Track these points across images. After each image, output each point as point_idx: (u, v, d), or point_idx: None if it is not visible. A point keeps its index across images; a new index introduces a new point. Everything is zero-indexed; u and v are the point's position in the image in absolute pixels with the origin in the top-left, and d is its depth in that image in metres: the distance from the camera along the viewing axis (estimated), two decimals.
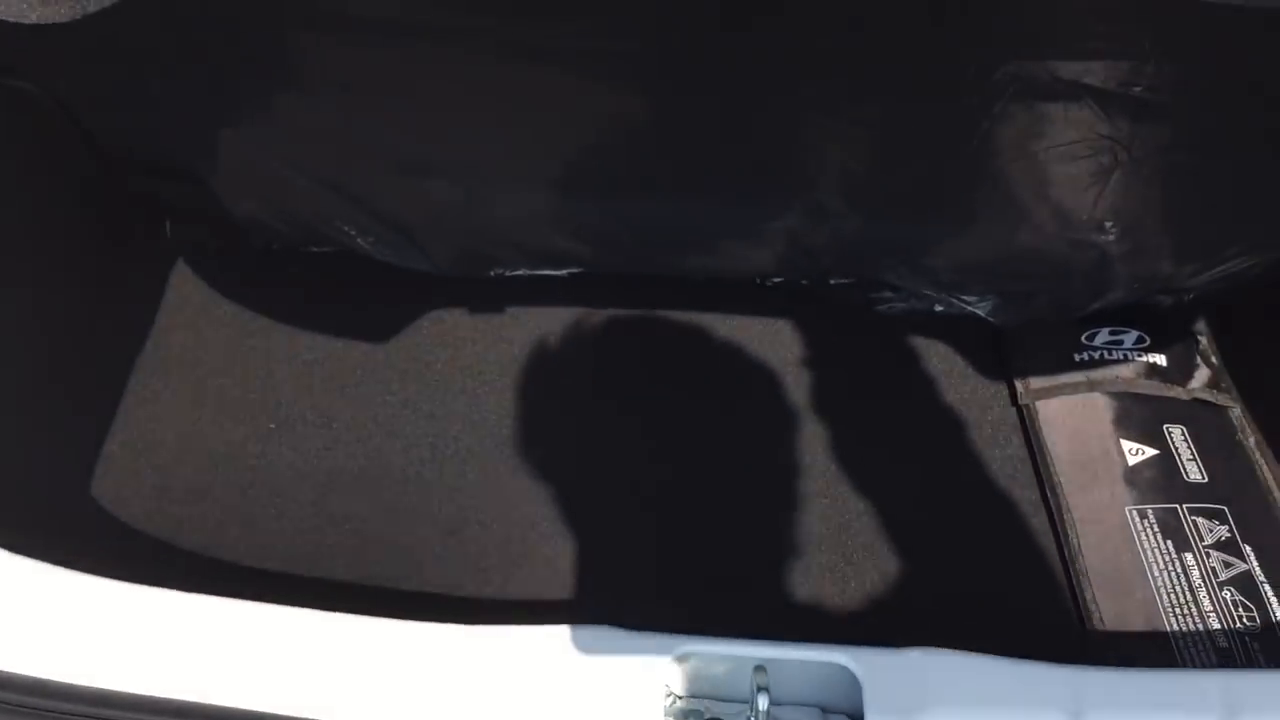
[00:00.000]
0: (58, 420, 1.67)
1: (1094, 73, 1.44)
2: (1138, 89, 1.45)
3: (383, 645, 1.06)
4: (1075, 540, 1.60)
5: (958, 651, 1.06)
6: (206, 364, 1.82)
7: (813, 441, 1.76)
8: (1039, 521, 1.66)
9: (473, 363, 1.87)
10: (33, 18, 0.78)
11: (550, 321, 1.94)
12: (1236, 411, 1.78)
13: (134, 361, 1.81)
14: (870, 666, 1.05)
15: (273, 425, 1.75)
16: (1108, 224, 1.65)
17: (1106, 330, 1.87)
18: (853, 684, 1.05)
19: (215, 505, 1.64)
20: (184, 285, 1.93)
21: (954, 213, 1.71)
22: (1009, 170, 1.61)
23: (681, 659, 1.07)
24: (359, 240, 1.86)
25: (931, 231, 1.76)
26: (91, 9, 0.80)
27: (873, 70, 1.47)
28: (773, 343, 1.91)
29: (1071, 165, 1.57)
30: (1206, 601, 1.51)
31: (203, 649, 1.05)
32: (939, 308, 1.92)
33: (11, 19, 0.78)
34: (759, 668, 1.04)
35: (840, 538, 1.65)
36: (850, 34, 1.42)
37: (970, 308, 1.90)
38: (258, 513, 1.64)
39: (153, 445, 1.71)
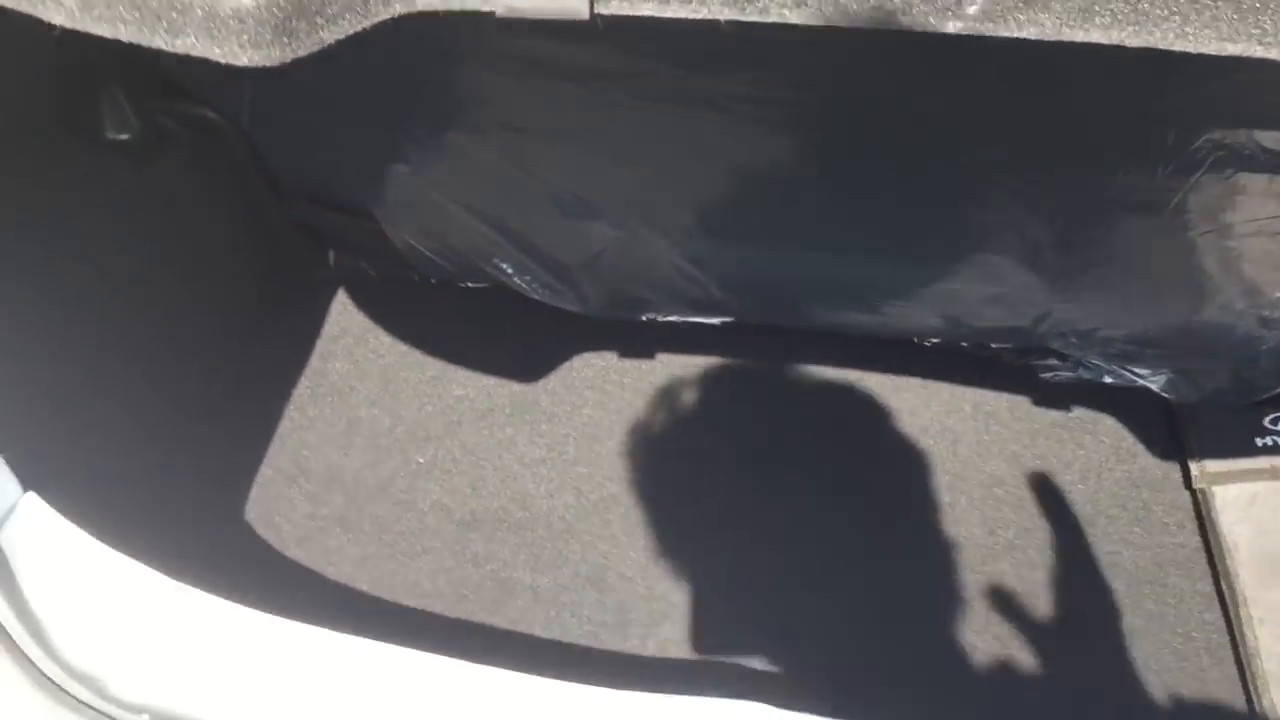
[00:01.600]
0: (217, 441, 1.70)
1: None
2: None
3: (528, 703, 1.04)
4: (1254, 640, 1.49)
5: None
6: (361, 394, 1.84)
7: (969, 514, 1.69)
8: (1212, 616, 1.56)
9: (621, 408, 1.85)
10: (244, 60, 0.78)
11: (701, 371, 1.91)
12: None
13: (292, 388, 1.83)
14: None
15: (421, 460, 1.76)
16: None
17: None
18: None
19: (362, 537, 1.65)
20: (343, 315, 1.96)
21: (1137, 284, 1.62)
22: (1200, 242, 1.52)
23: None
24: (515, 278, 1.87)
25: (1112, 303, 1.67)
26: (301, 54, 0.80)
27: (1063, 134, 1.41)
28: (928, 406, 1.85)
29: (1270, 241, 1.48)
30: None
31: (345, 691, 1.04)
32: (1108, 379, 1.83)
33: (225, 60, 0.78)
34: None
35: (999, 614, 1.57)
36: (1037, 98, 1.37)
37: (1143, 381, 1.81)
38: (403, 547, 1.64)
39: (305, 473, 1.73)
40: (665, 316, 1.93)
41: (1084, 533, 1.68)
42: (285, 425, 1.79)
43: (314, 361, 1.88)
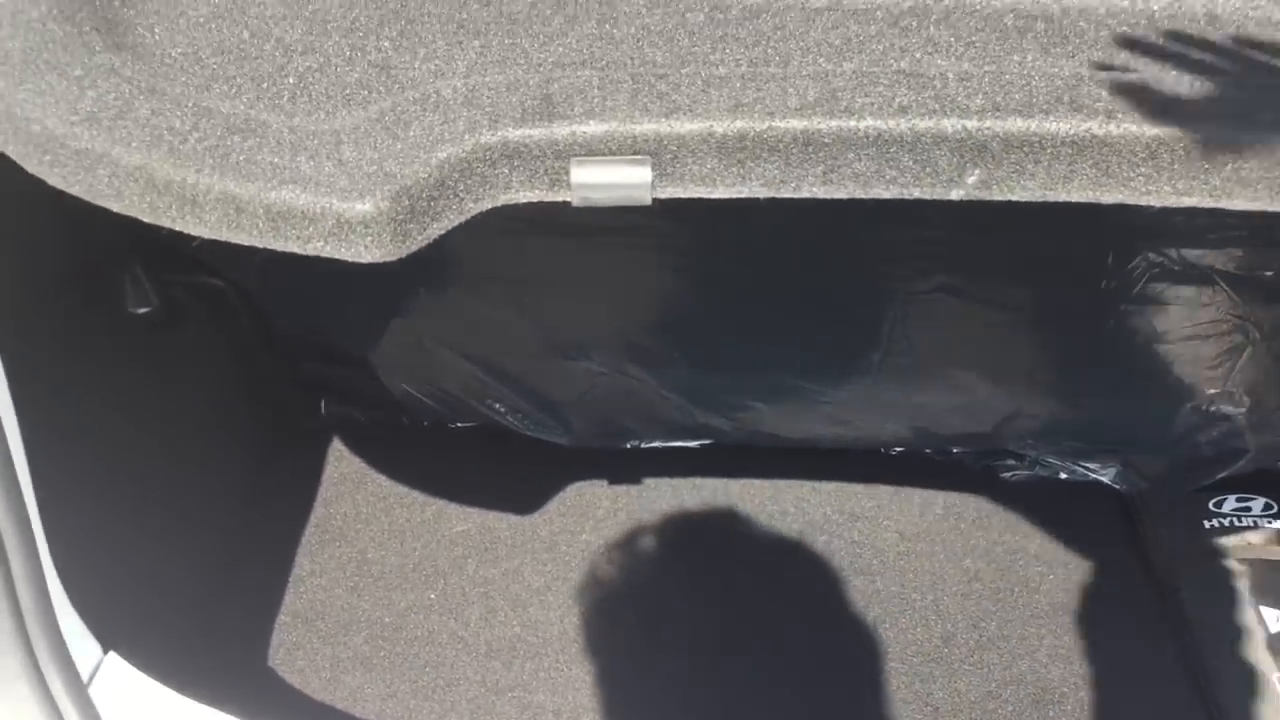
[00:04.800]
0: (233, 593, 1.76)
1: (1226, 259, 1.53)
2: (1269, 273, 1.54)
3: None
4: (1226, 709, 1.62)
5: None
6: (366, 536, 1.91)
7: (953, 611, 1.81)
8: (1180, 689, 1.69)
9: (614, 534, 1.95)
10: (367, 259, 0.90)
11: (685, 491, 2.01)
12: None
13: (300, 534, 1.90)
14: None
15: (433, 596, 1.83)
16: (1237, 397, 1.73)
17: (1234, 498, 1.92)
18: None
19: (385, 674, 1.71)
20: (340, 461, 2.04)
21: (1086, 387, 1.79)
22: (1142, 348, 1.69)
23: None
24: (507, 416, 1.98)
25: (1063, 406, 1.83)
26: (414, 249, 0.92)
27: (1012, 260, 1.58)
28: (903, 512, 1.97)
29: (1203, 343, 1.66)
30: None
31: None
32: (1064, 475, 1.99)
33: (351, 259, 0.90)
34: None
35: (987, 706, 1.68)
36: (996, 233, 1.53)
37: (1095, 475, 1.97)
38: (425, 682, 1.70)
39: (321, 615, 1.79)
40: (648, 443, 2.06)
41: (1058, 619, 1.80)
42: (298, 571, 1.86)
43: (318, 508, 1.96)
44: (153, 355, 1.65)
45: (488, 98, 0.96)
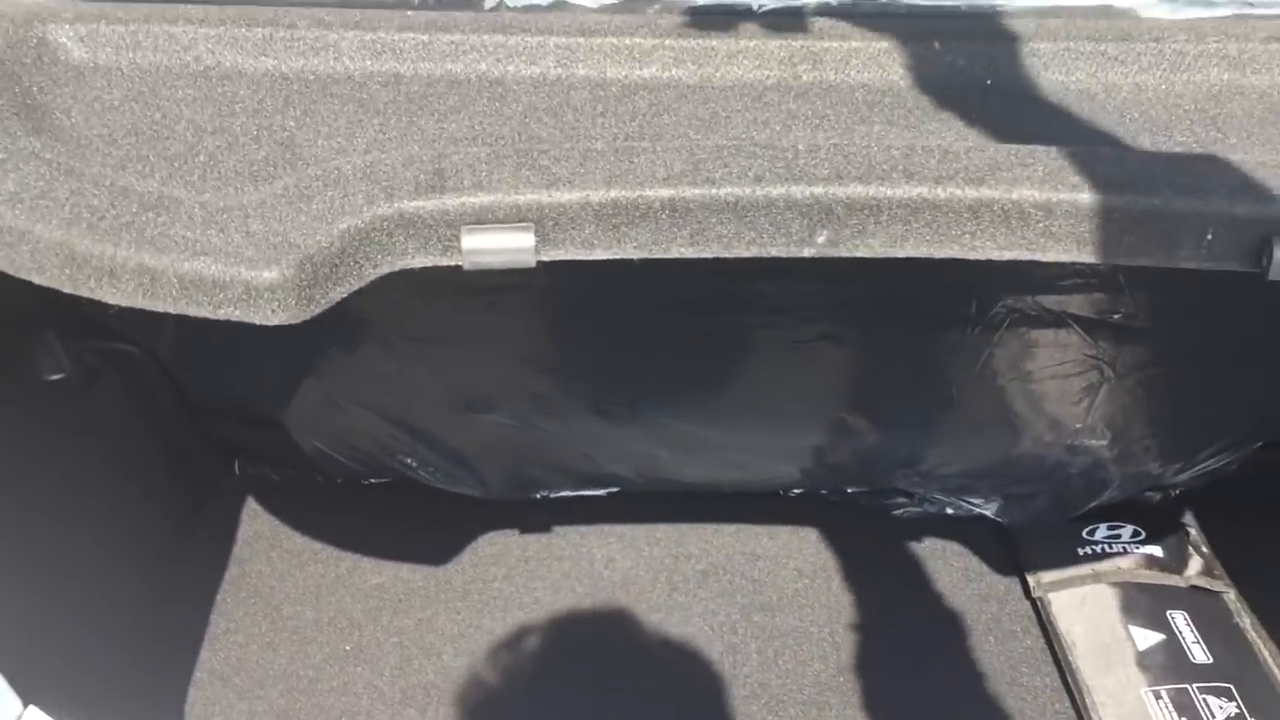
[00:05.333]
0: (150, 650, 1.79)
1: (1077, 304, 1.67)
2: (1116, 316, 1.68)
3: None
4: None
5: None
6: (282, 593, 1.96)
7: (840, 640, 1.91)
8: (1062, 706, 1.80)
9: (526, 580, 2.02)
10: (274, 321, 0.98)
11: (594, 540, 2.09)
12: (1231, 596, 1.95)
13: (215, 592, 1.94)
14: None
15: (348, 648, 1.88)
16: (1099, 431, 1.87)
17: (1105, 526, 2.05)
18: None
19: None
20: (254, 520, 2.09)
21: (962, 427, 1.91)
22: (1009, 388, 1.83)
23: None
24: (419, 470, 2.04)
25: (943, 445, 1.96)
26: (316, 312, 1.00)
27: (888, 310, 1.70)
28: (799, 549, 2.08)
29: (1064, 382, 1.79)
30: None
31: None
32: (950, 510, 2.12)
33: (259, 322, 0.98)
34: None
35: (871, 705, 1.77)
36: (866, 281, 1.66)
37: (979, 509, 2.10)
38: None
39: (238, 671, 1.83)
40: (557, 493, 2.14)
41: (949, 646, 1.91)
42: (213, 629, 1.89)
43: (233, 566, 2.00)
44: (66, 420, 1.70)
45: (385, 172, 1.05)
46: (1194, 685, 1.77)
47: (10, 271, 0.99)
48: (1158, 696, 1.76)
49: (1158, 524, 2.07)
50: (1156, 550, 2.02)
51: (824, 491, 2.16)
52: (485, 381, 1.87)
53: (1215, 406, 1.86)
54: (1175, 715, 1.73)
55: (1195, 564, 2.00)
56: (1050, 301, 1.68)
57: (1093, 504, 2.02)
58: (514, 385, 1.88)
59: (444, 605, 1.96)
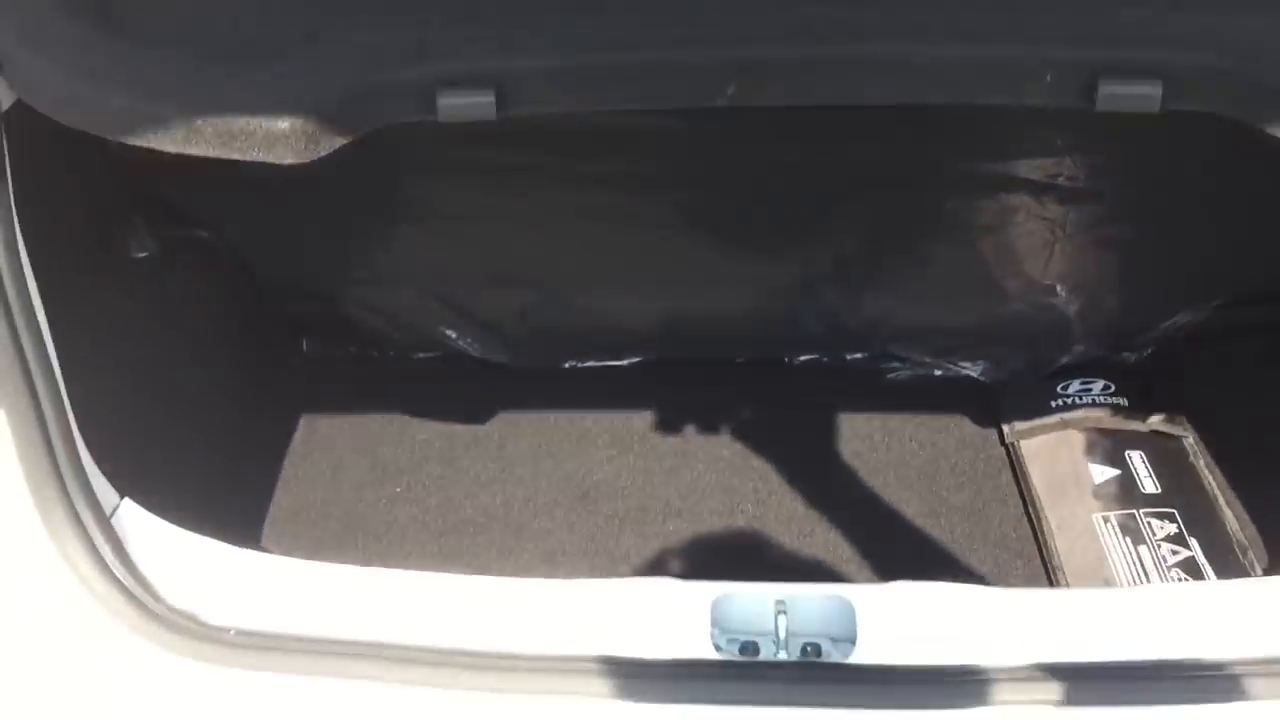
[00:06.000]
0: (231, 485, 2.10)
1: (1023, 169, 1.87)
2: (1061, 178, 1.88)
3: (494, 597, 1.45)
4: (1052, 544, 1.95)
5: (931, 582, 1.43)
6: (342, 446, 2.26)
7: (830, 480, 2.15)
8: (1023, 531, 2.02)
9: (554, 436, 2.29)
10: (288, 160, 1.25)
11: (616, 401, 2.35)
12: (1189, 440, 2.13)
13: (287, 445, 2.25)
14: (864, 596, 1.42)
15: (398, 490, 2.18)
16: (1058, 288, 2.06)
17: (1078, 381, 2.25)
18: (850, 613, 1.41)
19: (359, 554, 2.05)
20: (320, 389, 2.39)
21: (942, 289, 2.12)
22: (978, 249, 2.03)
23: (720, 600, 1.44)
24: (459, 341, 2.33)
25: (926, 306, 2.17)
26: (321, 155, 1.27)
27: (866, 174, 1.92)
28: (798, 405, 2.31)
29: (1022, 242, 1.99)
30: (1157, 581, 1.85)
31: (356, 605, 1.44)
32: (939, 372, 2.33)
33: (274, 161, 1.25)
34: (780, 603, 1.42)
35: (853, 532, 2.01)
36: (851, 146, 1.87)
37: (965, 371, 2.31)
38: (392, 555, 2.05)
39: (305, 509, 2.14)
40: (584, 363, 2.41)
41: (926, 484, 2.13)
42: (285, 474, 2.20)
43: (301, 425, 2.31)
44: (154, 293, 2.00)
45: (378, 48, 1.31)
46: (1140, 510, 1.98)
47: (87, 129, 1.28)
48: (1106, 521, 1.97)
49: (1128, 380, 2.25)
50: (1123, 401, 2.21)
51: (826, 360, 2.38)
52: (505, 256, 2.14)
53: (1166, 264, 2.04)
54: (1120, 535, 1.94)
55: (1159, 414, 2.18)
56: (999, 166, 1.88)
57: (1063, 360, 2.22)
58: (530, 259, 2.14)
59: (482, 457, 2.24)
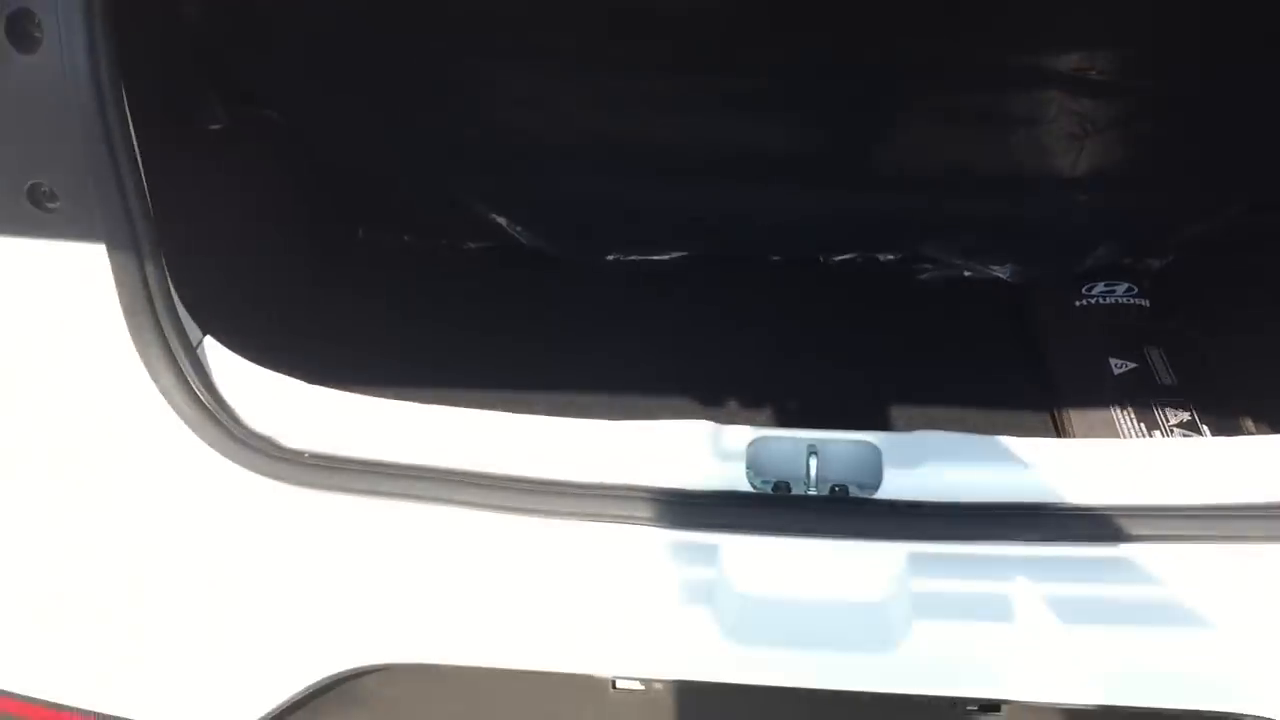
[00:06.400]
0: (297, 337, 2.14)
1: (1057, 62, 1.95)
2: (1092, 73, 1.95)
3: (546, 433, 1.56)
4: (1069, 425, 2.05)
5: (949, 432, 1.54)
6: (394, 324, 2.37)
7: (876, 368, 2.23)
8: (1042, 419, 2.12)
9: (602, 318, 2.38)
10: None
11: (656, 286, 2.45)
12: (1207, 341, 2.21)
13: (349, 319, 2.36)
14: (888, 442, 1.52)
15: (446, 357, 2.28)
16: (1086, 186, 2.14)
17: (1102, 283, 2.33)
18: (877, 457, 1.52)
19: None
20: (377, 272, 2.50)
21: (972, 183, 2.21)
22: (1009, 144, 2.11)
23: (755, 441, 1.55)
24: (510, 229, 2.44)
25: (956, 201, 2.26)
26: None
27: (902, 63, 2.00)
28: (843, 305, 2.40)
29: (1052, 138, 2.07)
30: None
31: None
32: (968, 274, 2.42)
33: None
34: (810, 446, 1.53)
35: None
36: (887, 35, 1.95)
37: (994, 272, 2.40)
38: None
39: (363, 369, 2.24)
40: (627, 256, 2.51)
41: (954, 371, 2.21)
42: (351, 340, 2.31)
43: (355, 307, 2.41)
44: (226, 161, 2.12)
45: None
46: (1155, 399, 2.07)
47: None
48: (1123, 408, 2.06)
49: (1152, 283, 2.33)
50: (1145, 303, 2.29)
51: (858, 259, 2.48)
52: (560, 141, 2.24)
53: (1194, 164, 2.11)
54: (1136, 420, 2.03)
55: (1180, 314, 2.26)
56: (1032, 58, 1.96)
57: (1088, 263, 2.30)
58: (577, 148, 2.24)
59: (536, 338, 2.31)
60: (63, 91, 1.37)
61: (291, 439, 1.56)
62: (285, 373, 1.66)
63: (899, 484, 1.49)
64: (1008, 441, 1.53)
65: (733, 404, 2.17)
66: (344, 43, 2.14)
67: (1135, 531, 1.38)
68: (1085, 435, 2.03)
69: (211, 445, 1.52)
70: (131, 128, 1.48)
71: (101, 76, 1.36)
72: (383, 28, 2.08)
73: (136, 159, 1.47)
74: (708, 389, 2.20)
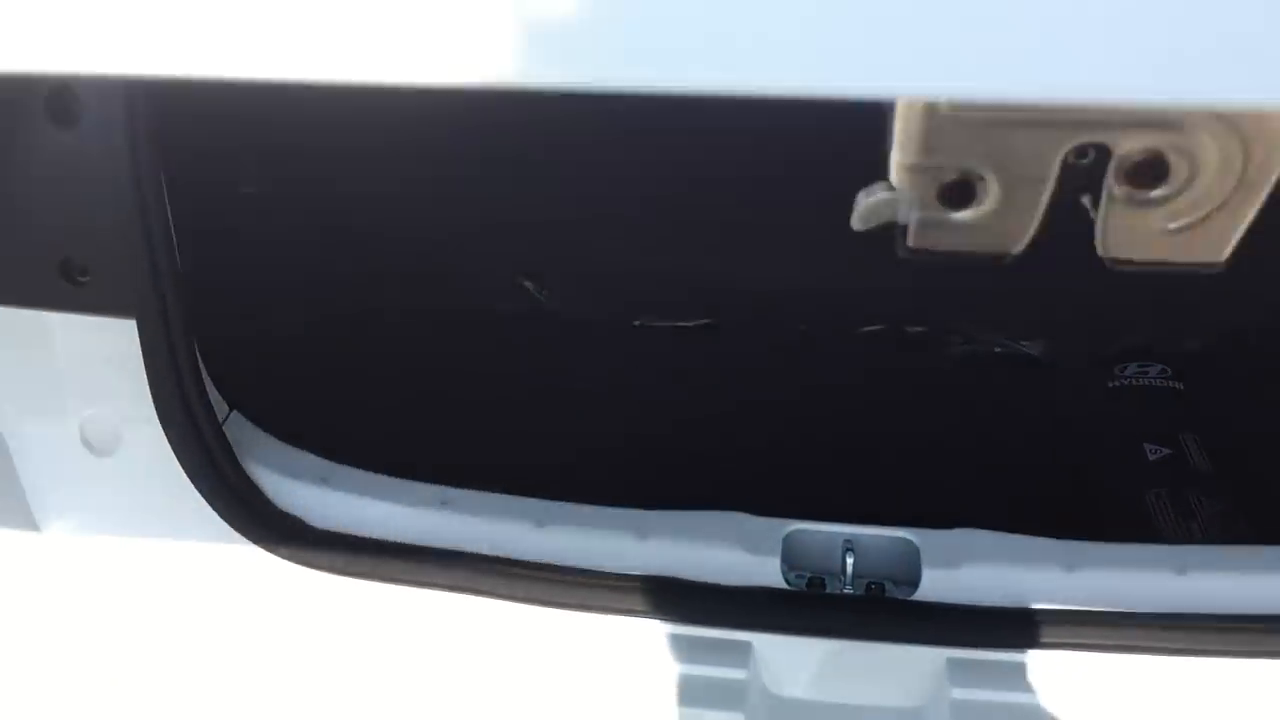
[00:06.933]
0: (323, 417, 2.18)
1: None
2: None
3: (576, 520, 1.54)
4: (1104, 513, 2.01)
5: (988, 531, 1.51)
6: (423, 385, 2.35)
7: (898, 429, 2.22)
8: (1077, 504, 2.08)
9: (627, 381, 2.36)
10: None
11: (684, 359, 2.43)
12: (1240, 425, 2.18)
13: (372, 386, 2.34)
14: (927, 540, 1.50)
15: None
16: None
17: (1135, 365, 2.30)
18: (915, 555, 1.49)
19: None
20: (405, 337, 2.48)
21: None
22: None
23: (790, 535, 1.53)
24: (538, 294, 2.43)
25: (987, 278, 2.23)
26: None
27: None
28: (871, 378, 2.37)
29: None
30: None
31: None
32: (998, 349, 2.40)
33: None
34: (848, 541, 1.50)
35: (918, 487, 2.06)
36: None
37: (1025, 349, 2.38)
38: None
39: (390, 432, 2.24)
40: (651, 322, 2.50)
41: (985, 443, 2.19)
42: (368, 407, 2.30)
43: (384, 369, 2.40)
44: (259, 227, 2.12)
45: None
46: (1191, 488, 2.03)
47: None
48: (1158, 497, 2.03)
49: (1186, 366, 2.30)
50: (1179, 385, 2.26)
51: (886, 329, 2.46)
52: (585, 209, 2.23)
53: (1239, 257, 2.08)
54: (1171, 510, 1.99)
55: (1216, 398, 2.23)
56: None
57: (1122, 341, 2.28)
58: (606, 218, 2.23)
59: (565, 398, 2.30)
60: (100, 168, 1.36)
61: (318, 518, 1.55)
62: (314, 443, 1.65)
63: (938, 585, 1.46)
64: (1048, 544, 1.51)
65: (761, 480, 2.13)
66: None
67: (1183, 645, 1.35)
68: (1120, 524, 1.99)
69: (235, 528, 1.50)
70: (167, 201, 1.47)
71: (140, 155, 1.34)
72: None
73: (171, 235, 1.46)
74: (736, 463, 2.17)
